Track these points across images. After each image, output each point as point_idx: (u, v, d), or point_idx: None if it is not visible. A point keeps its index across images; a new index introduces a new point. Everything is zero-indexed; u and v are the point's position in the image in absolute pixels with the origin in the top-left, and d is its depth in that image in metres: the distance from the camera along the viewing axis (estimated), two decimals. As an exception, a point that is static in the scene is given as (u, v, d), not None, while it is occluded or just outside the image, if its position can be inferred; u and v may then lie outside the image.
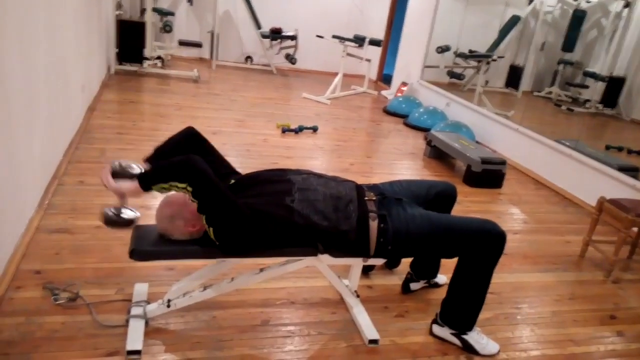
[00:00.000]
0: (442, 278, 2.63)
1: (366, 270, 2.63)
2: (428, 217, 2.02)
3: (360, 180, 3.91)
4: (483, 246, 2.00)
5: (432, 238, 2.00)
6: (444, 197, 2.26)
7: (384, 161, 4.60)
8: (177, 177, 1.71)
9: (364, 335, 2.12)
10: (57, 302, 2.06)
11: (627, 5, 4.52)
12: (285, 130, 4.97)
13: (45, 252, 2.40)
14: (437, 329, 2.21)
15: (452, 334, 2.17)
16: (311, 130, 5.18)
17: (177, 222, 1.84)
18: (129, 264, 2.37)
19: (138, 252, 1.79)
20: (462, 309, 2.14)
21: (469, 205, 3.84)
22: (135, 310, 2.01)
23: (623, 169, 3.91)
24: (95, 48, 5.00)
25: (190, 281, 2.00)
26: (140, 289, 2.18)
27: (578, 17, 5.08)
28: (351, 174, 4.08)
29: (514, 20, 5.96)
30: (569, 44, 5.23)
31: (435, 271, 2.56)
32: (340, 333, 2.16)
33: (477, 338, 2.16)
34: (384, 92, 7.88)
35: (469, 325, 2.16)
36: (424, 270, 2.53)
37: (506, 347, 2.22)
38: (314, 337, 2.11)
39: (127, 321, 1.98)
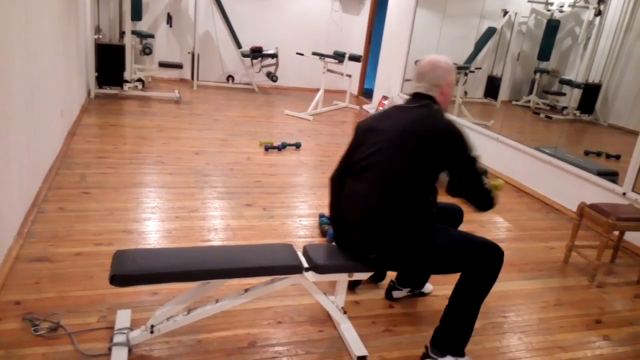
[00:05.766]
0: (429, 287, 2.64)
1: (352, 286, 2.63)
2: (445, 229, 2.07)
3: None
4: (488, 259, 1.98)
5: (450, 249, 1.99)
6: (451, 216, 2.35)
7: (367, 175, 4.61)
8: None
9: (352, 352, 2.10)
10: (38, 333, 2.02)
11: (598, 13, 4.63)
12: (268, 147, 4.97)
13: (25, 282, 2.35)
14: None
15: None
16: (294, 147, 5.19)
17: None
18: (111, 291, 2.33)
19: (119, 278, 1.76)
20: (459, 328, 2.02)
21: (454, 215, 3.86)
22: (118, 338, 1.98)
23: (602, 174, 3.97)
24: (75, 72, 4.98)
25: (174, 305, 1.97)
26: (123, 316, 2.14)
27: (552, 27, 5.20)
28: (335, 189, 4.08)
29: (490, 31, 6.07)
30: (544, 53, 5.34)
31: (423, 281, 2.56)
32: (329, 351, 2.14)
33: None
34: (365, 107, 7.94)
35: (462, 347, 2.05)
36: (409, 279, 2.53)
37: (494, 357, 2.22)
38: (302, 357, 2.08)
39: (110, 349, 1.94)
